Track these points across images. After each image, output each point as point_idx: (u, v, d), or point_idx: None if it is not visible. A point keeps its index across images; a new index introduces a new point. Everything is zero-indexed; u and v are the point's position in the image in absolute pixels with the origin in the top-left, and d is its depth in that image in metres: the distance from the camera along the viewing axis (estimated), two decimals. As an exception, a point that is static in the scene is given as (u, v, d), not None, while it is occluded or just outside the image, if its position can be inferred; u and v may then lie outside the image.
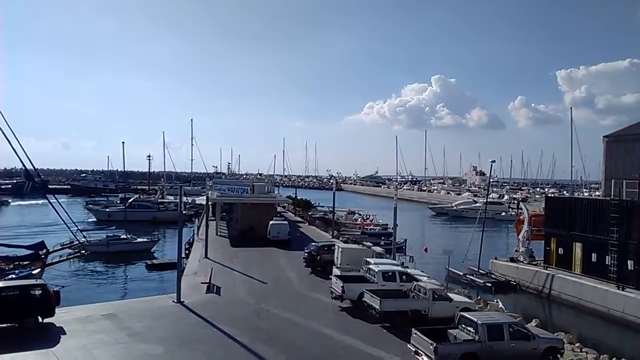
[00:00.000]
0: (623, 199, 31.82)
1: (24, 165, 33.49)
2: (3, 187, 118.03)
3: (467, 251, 42.63)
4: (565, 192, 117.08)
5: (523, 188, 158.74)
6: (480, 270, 40.13)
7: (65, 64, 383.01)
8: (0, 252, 33.15)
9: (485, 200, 54.38)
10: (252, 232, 48.14)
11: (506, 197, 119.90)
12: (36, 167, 38.20)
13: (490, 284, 37.19)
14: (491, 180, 74.58)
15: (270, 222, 46.73)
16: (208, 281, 29.52)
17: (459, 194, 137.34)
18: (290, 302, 26.05)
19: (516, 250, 41.04)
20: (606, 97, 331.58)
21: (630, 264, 30.17)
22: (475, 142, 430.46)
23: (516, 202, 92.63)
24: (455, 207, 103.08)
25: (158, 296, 28.60)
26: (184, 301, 25.49)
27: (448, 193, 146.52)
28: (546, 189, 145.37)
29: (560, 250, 36.15)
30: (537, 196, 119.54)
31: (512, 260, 40.15)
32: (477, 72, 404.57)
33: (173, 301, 25.56)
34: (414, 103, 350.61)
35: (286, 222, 49.56)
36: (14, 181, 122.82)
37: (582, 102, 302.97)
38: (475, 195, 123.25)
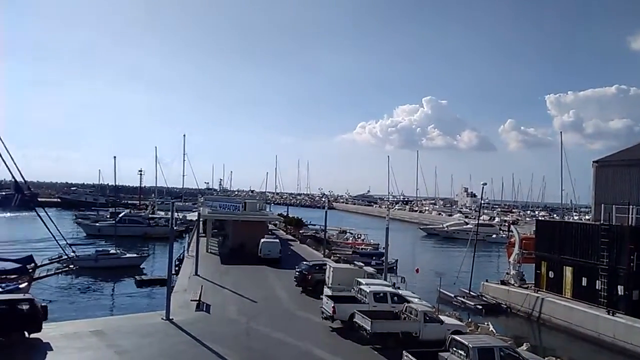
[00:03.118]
0: (613, 224, 32.12)
1: (13, 177, 33.28)
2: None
3: (459, 273, 42.64)
4: (555, 215, 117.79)
5: (514, 210, 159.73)
6: (471, 293, 40.12)
7: (57, 76, 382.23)
8: (-13, 266, 32.69)
9: (476, 222, 54.63)
10: (243, 249, 47.90)
11: (497, 219, 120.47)
12: (26, 179, 37.96)
13: (481, 307, 37.19)
14: (482, 202, 74.91)
15: (262, 240, 46.54)
16: (198, 299, 29.21)
17: (450, 215, 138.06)
18: (280, 322, 25.86)
19: (507, 273, 41.14)
20: (594, 122, 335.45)
21: (620, 289, 30.36)
22: (466, 164, 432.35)
23: (507, 224, 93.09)
24: (446, 228, 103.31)
25: (147, 313, 28.29)
26: (173, 319, 25.20)
27: (439, 214, 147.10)
28: (537, 212, 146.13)
29: (551, 274, 36.30)
30: (527, 219, 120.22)
31: (502, 283, 40.21)
32: (468, 95, 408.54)
33: (162, 318, 25.25)
34: (405, 124, 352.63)
35: (277, 240, 49.37)
36: (3, 193, 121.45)
37: (570, 126, 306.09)
38: (466, 217, 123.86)
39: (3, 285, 29.54)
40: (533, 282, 38.36)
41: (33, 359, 18.98)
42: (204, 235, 52.74)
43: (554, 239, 36.70)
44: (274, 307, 29.51)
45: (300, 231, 74.30)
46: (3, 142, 30.27)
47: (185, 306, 28.03)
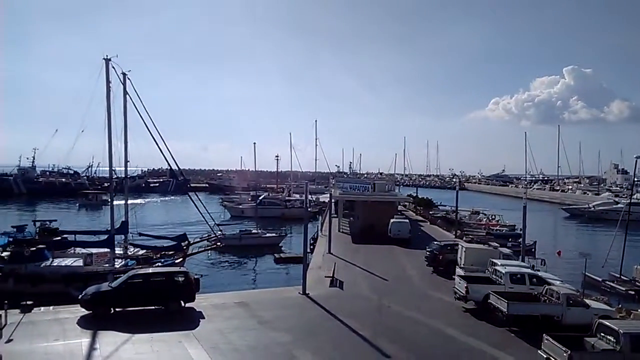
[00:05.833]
0: None
1: (169, 165, 37.53)
2: (152, 185, 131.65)
3: (607, 256, 38.97)
4: None
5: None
6: (622, 277, 36.58)
7: (200, 74, 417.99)
8: (149, 243, 37.23)
9: (628, 201, 49.31)
10: (373, 229, 48.51)
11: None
12: (179, 167, 42.35)
13: (633, 292, 33.80)
14: (636, 178, 67.08)
15: (392, 220, 46.80)
16: (331, 275, 30.49)
17: (597, 194, 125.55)
18: (411, 300, 26.03)
19: (667, 257, 36.77)
20: None
21: None
22: (616, 138, 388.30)
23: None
24: (593, 208, 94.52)
25: (285, 287, 30.14)
26: (309, 293, 26.60)
27: (584, 193, 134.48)
28: None
29: None
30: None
31: (660, 267, 36.02)
32: (617, 61, 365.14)
33: (299, 293, 26.77)
34: (543, 97, 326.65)
35: (407, 221, 49.28)
36: (161, 180, 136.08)
37: None
38: (616, 196, 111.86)
39: (162, 260, 33.59)
40: (700, 268, 33.89)
41: (188, 325, 21.10)
42: (335, 215, 54.35)
43: None
44: (405, 285, 29.74)
45: (430, 212, 73.14)
46: (161, 136, 34.32)
47: (319, 282, 29.40)
